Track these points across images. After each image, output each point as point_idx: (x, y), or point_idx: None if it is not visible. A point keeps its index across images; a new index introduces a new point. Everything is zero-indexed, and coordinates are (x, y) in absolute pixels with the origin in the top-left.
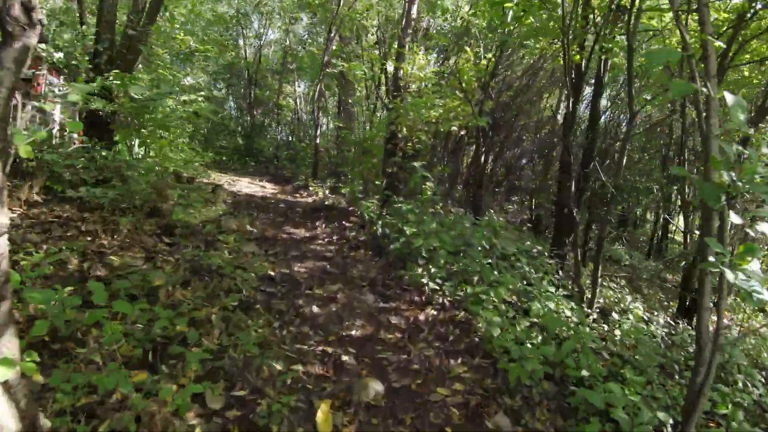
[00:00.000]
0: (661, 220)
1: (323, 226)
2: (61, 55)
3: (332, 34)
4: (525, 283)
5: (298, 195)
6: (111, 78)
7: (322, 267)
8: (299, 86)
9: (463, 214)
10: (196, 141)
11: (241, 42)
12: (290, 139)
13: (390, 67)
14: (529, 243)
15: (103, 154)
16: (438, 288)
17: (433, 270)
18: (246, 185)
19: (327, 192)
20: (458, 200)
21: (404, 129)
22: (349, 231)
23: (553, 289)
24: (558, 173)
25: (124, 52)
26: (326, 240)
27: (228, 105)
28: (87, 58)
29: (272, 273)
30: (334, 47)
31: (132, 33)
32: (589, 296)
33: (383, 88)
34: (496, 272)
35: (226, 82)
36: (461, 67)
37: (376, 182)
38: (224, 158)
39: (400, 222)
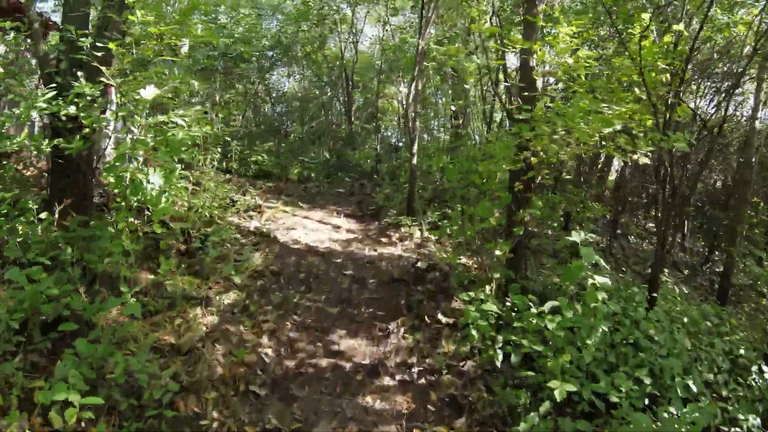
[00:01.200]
0: None
1: (402, 332)
2: None
3: (429, 13)
4: None
5: (382, 241)
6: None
7: None
8: (403, 86)
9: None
10: (278, 156)
11: (336, 39)
12: (397, 145)
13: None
14: None
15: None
16: None
17: None
18: (315, 225)
19: (424, 232)
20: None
21: (542, 152)
22: (446, 339)
23: None
24: None
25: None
26: (401, 375)
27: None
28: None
29: None
30: (432, 32)
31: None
32: None
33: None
34: None
35: (321, 84)
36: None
37: (497, 253)
38: (312, 174)
39: (536, 344)
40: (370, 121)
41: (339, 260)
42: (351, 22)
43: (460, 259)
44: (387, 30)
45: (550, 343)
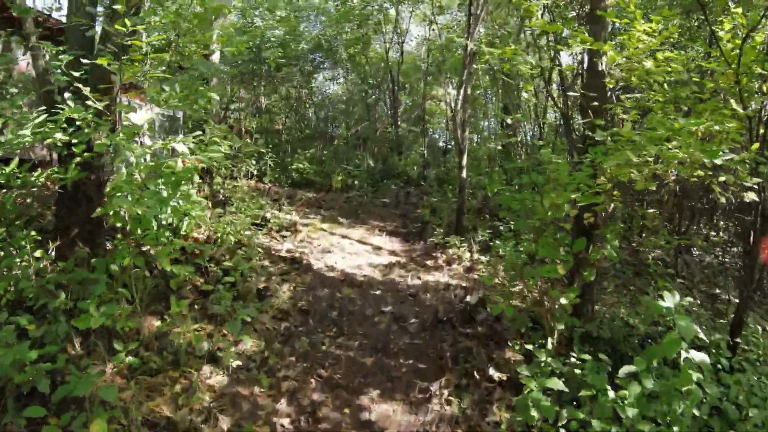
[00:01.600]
0: None
1: (446, 394)
2: None
3: (478, 10)
4: None
5: (427, 264)
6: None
7: None
8: (451, 87)
9: None
10: (320, 163)
11: (380, 40)
12: (446, 148)
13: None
14: None
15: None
16: None
17: None
18: (354, 246)
19: (474, 254)
20: None
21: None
22: (499, 403)
23: None
24: None
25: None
26: None
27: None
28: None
29: None
30: (481, 30)
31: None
32: None
33: (556, 91)
34: None
35: (365, 87)
36: (730, 48)
37: (562, 301)
38: (356, 181)
39: (608, 424)
40: (417, 123)
41: (378, 292)
42: (395, 22)
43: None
44: (433, 29)
45: (623, 419)
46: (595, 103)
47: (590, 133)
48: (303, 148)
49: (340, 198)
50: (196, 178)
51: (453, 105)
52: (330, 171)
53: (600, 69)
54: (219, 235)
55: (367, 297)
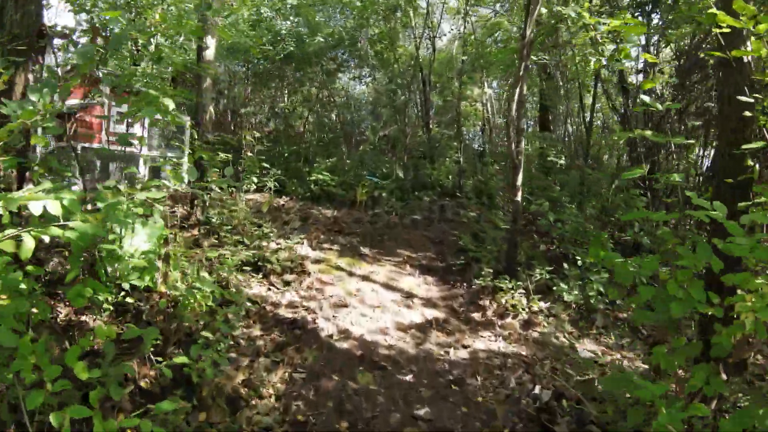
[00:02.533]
0: None
1: None
2: None
3: None
4: None
5: (473, 320)
6: None
7: None
8: (489, 87)
9: None
10: (343, 172)
11: (410, 35)
12: (481, 151)
13: None
14: None
15: None
16: None
17: None
18: (377, 296)
19: (532, 301)
20: None
21: None
22: None
23: None
24: None
25: None
26: None
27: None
28: None
29: None
30: (543, 10)
31: None
32: None
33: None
34: None
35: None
36: None
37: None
38: (383, 194)
39: None
40: (450, 126)
41: (409, 377)
42: (426, 15)
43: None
44: (468, 22)
45: None
46: (747, 113)
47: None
48: (325, 156)
49: (364, 216)
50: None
51: (490, 106)
52: (354, 182)
53: (746, 61)
54: (183, 296)
55: (392, 387)
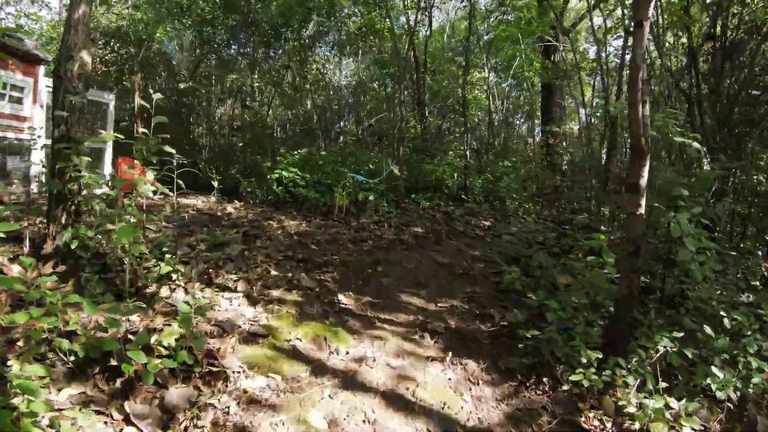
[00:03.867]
0: None
1: None
2: None
3: None
4: None
5: None
6: None
7: None
8: (491, 71)
9: None
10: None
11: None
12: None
13: None
14: None
15: None
16: None
17: None
18: (372, 427)
19: (692, 421)
20: None
21: None
22: None
23: None
24: None
25: None
26: None
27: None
28: None
29: None
30: None
31: None
32: None
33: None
34: None
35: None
36: None
37: None
38: (372, 197)
39: None
40: (446, 117)
41: None
42: None
43: None
44: None
45: None
46: None
47: None
48: (293, 146)
49: (345, 234)
50: None
51: (492, 92)
52: (332, 181)
53: None
54: None
55: None
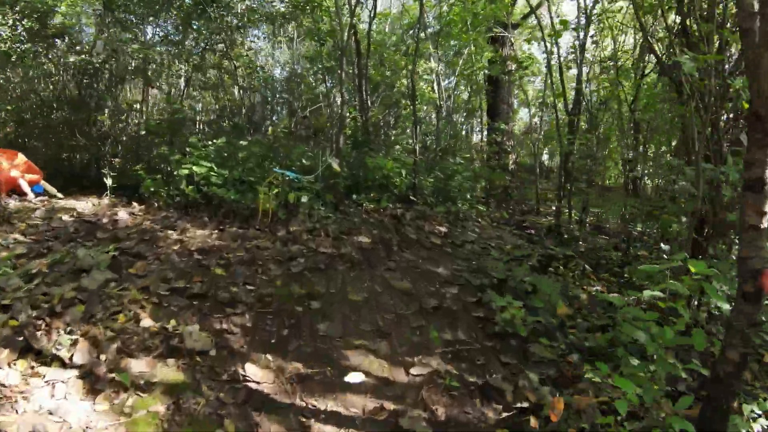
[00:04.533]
0: None
1: None
2: None
3: None
4: None
5: None
6: None
7: None
8: (438, 61)
9: None
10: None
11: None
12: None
13: None
14: None
15: None
16: None
17: None
18: None
19: None
20: None
21: None
22: None
23: None
24: None
25: None
26: None
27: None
28: None
29: None
30: None
31: None
32: None
33: None
34: None
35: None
36: None
37: None
38: (304, 199)
39: None
40: (392, 109)
41: None
42: None
43: None
44: None
45: None
46: None
47: None
48: (209, 137)
49: (268, 248)
50: None
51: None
52: (257, 179)
53: None
54: None
55: None
